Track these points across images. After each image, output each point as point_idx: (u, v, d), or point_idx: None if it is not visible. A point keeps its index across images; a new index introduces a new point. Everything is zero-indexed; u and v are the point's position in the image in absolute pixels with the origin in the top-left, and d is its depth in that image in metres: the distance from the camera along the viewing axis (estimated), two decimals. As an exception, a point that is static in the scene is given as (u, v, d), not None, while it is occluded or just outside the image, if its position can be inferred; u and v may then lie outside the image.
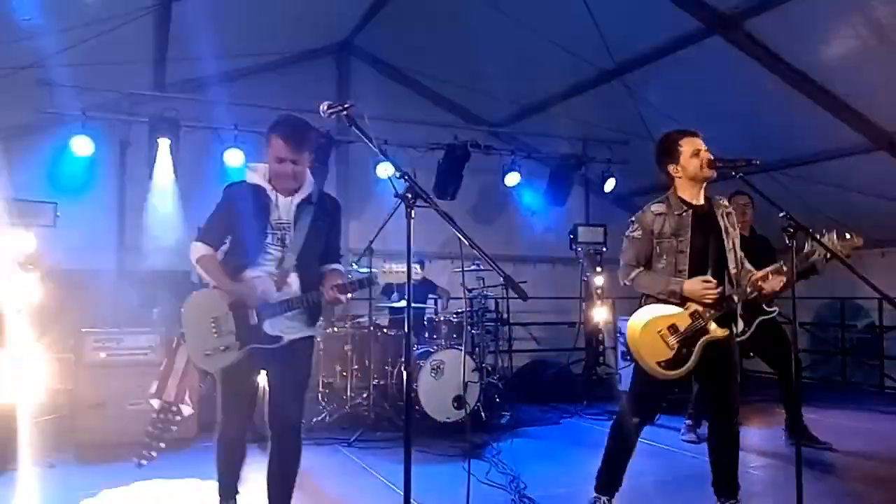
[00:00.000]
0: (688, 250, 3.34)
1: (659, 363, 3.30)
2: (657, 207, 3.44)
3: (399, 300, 6.60)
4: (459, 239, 2.38)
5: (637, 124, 7.04)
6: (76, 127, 6.34)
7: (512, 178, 8.07)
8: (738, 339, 3.52)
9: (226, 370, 3.05)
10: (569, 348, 8.11)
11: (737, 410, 3.39)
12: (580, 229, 8.13)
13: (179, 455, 4.88)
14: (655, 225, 3.39)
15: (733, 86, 6.52)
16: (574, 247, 8.11)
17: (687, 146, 3.38)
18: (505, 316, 7.60)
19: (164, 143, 6.49)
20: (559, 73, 7.44)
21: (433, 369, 5.74)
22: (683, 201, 3.41)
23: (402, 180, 2.40)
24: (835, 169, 6.92)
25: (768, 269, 3.28)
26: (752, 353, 5.19)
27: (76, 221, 6.06)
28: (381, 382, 6.29)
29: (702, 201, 3.44)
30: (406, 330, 2.32)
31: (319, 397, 6.22)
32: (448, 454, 5.00)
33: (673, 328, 3.31)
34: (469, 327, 6.34)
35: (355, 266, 5.45)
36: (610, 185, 8.30)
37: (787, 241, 3.10)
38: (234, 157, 6.72)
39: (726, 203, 3.54)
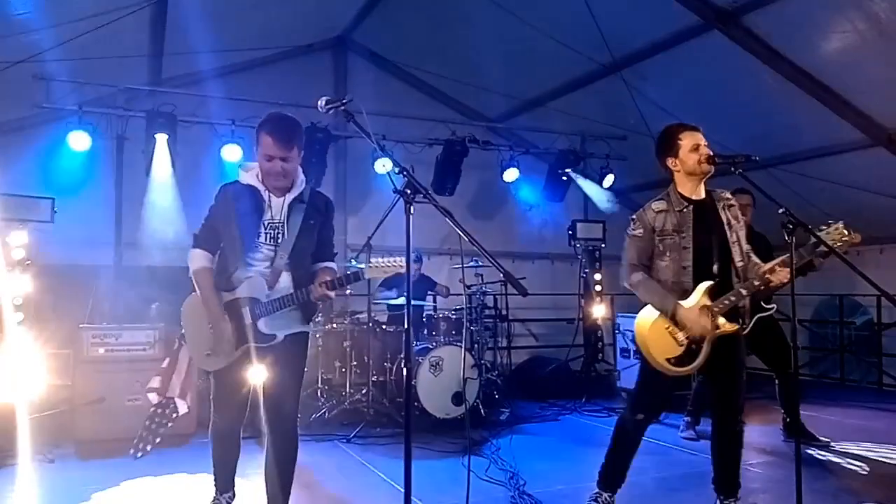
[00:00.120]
0: (690, 246, 3.31)
1: (668, 360, 3.28)
2: (658, 205, 3.42)
3: (398, 297, 6.59)
4: (459, 235, 2.37)
5: (635, 120, 7.03)
6: (73, 122, 6.31)
7: (510, 174, 8.05)
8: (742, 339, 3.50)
9: (221, 369, 3.09)
10: (568, 345, 8.10)
11: (742, 408, 3.36)
12: (579, 225, 8.12)
13: (177, 451, 4.89)
14: (657, 222, 3.37)
15: (732, 81, 6.51)
16: (573, 243, 8.11)
17: (686, 140, 3.36)
18: (504, 312, 7.60)
19: (161, 139, 6.46)
20: (557, 69, 7.43)
21: (432, 366, 5.74)
22: (683, 197, 3.39)
23: (401, 176, 2.38)
24: (833, 165, 6.91)
25: (775, 261, 3.24)
26: (749, 351, 5.19)
27: (73, 217, 6.04)
28: (380, 379, 6.28)
29: (702, 196, 3.41)
30: (406, 326, 2.30)
31: (318, 393, 6.22)
32: (447, 450, 5.00)
33: (682, 324, 3.28)
34: (468, 324, 6.33)
35: (354, 262, 5.43)
36: (608, 180, 8.29)
37: (787, 238, 3.07)
38: (231, 153, 6.70)
39: (728, 196, 3.50)
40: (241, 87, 7.28)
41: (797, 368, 3.38)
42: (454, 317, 6.35)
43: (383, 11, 7.38)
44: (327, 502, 4.02)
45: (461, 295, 7.69)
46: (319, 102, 2.59)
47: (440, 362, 5.77)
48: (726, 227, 3.36)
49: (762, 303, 4.81)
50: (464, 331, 5.98)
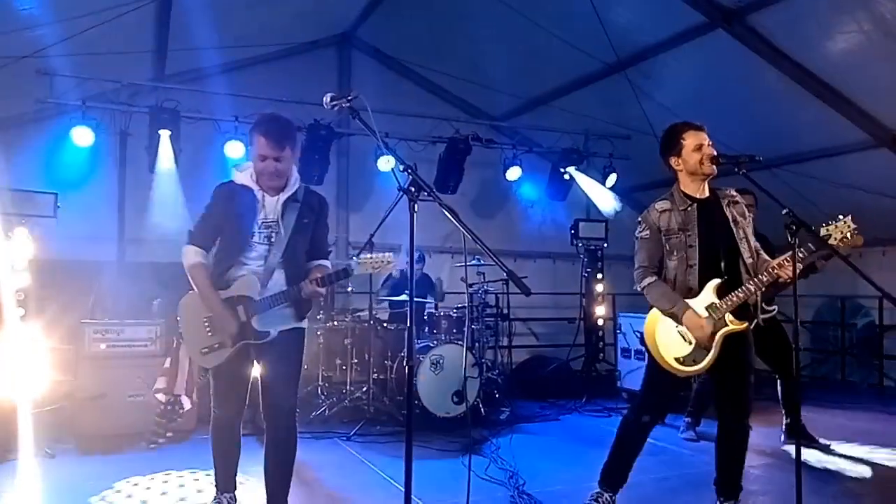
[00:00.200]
0: (696, 244, 3.31)
1: (677, 359, 3.27)
2: (661, 204, 3.41)
3: (400, 294, 6.59)
4: (462, 233, 2.37)
5: (639, 119, 7.02)
6: (76, 117, 6.31)
7: (513, 173, 8.05)
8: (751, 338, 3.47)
9: (219, 365, 3.13)
10: (569, 344, 8.10)
11: (749, 412, 3.34)
12: (581, 224, 8.11)
13: (178, 447, 4.91)
14: (661, 222, 3.37)
15: (736, 81, 6.50)
16: (575, 242, 8.10)
17: (690, 139, 3.35)
18: (505, 311, 7.60)
19: (164, 135, 6.46)
20: (561, 67, 7.42)
21: (433, 364, 5.73)
22: (687, 196, 3.39)
23: (405, 173, 2.38)
24: (837, 166, 6.90)
25: (784, 255, 3.22)
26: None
27: (76, 212, 6.05)
28: (381, 377, 6.28)
29: (707, 194, 3.41)
30: (409, 324, 2.30)
31: (319, 391, 6.21)
32: (447, 449, 5.00)
33: (692, 331, 3.27)
34: (469, 322, 6.33)
35: (356, 259, 5.42)
36: (611, 179, 8.28)
37: (790, 239, 3.06)
38: (234, 149, 6.69)
39: (733, 192, 3.49)
40: (245, 83, 7.28)
41: (799, 370, 3.36)
42: (455, 315, 6.35)
43: (388, 9, 7.37)
44: (327, 500, 4.02)
45: (463, 293, 7.70)
46: (325, 99, 2.60)
47: (441, 361, 5.76)
48: (732, 224, 3.35)
49: (763, 304, 4.82)
50: (465, 329, 5.97)
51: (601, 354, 8.31)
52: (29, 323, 5.15)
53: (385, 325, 6.52)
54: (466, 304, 5.93)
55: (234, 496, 3.34)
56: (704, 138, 3.35)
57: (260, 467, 3.21)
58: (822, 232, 3.15)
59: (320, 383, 6.27)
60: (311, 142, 7.08)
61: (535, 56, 7.31)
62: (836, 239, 3.12)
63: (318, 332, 6.31)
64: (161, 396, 5.02)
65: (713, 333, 3.24)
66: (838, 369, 8.71)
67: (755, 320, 3.36)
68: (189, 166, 6.67)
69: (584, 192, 8.40)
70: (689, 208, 3.36)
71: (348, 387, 6.16)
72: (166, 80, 7.18)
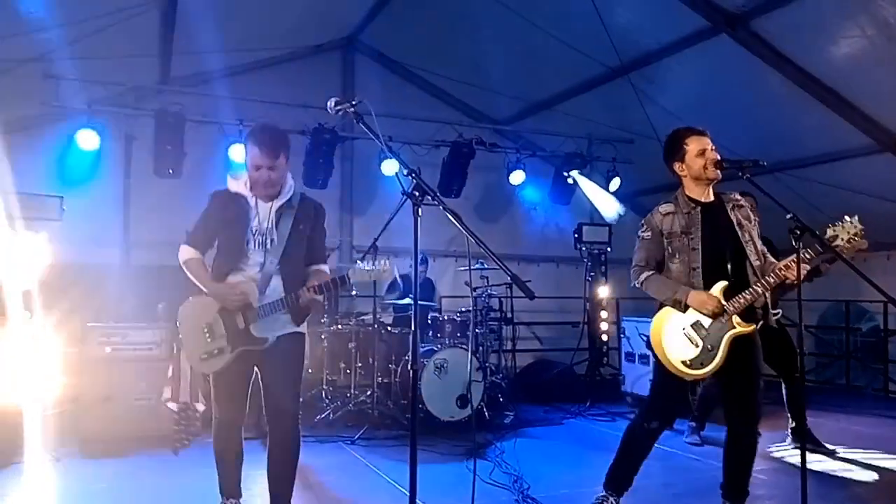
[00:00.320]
0: (699, 247, 3.31)
1: (684, 363, 3.26)
2: (665, 207, 3.42)
3: (404, 297, 6.60)
4: (466, 237, 2.37)
5: (642, 123, 7.02)
6: (82, 120, 6.34)
7: (517, 177, 8.06)
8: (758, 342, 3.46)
9: (218, 370, 3.16)
10: (573, 348, 8.09)
11: (759, 418, 3.30)
12: (585, 228, 8.11)
13: (183, 451, 4.91)
14: (664, 224, 3.37)
15: (740, 85, 6.50)
16: (579, 246, 8.10)
17: (693, 145, 3.35)
18: (509, 315, 7.60)
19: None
20: (565, 71, 7.43)
21: (437, 368, 5.73)
22: (692, 199, 3.40)
23: (410, 178, 2.39)
24: (840, 170, 6.89)
25: (791, 256, 3.21)
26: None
27: (81, 215, 6.07)
28: (385, 381, 6.28)
29: (711, 198, 3.41)
30: (413, 328, 2.30)
31: (323, 395, 6.22)
32: (451, 453, 5.00)
33: (697, 324, 3.27)
34: (473, 326, 6.33)
35: (360, 263, 5.43)
36: (615, 184, 8.28)
37: (794, 243, 3.06)
38: (238, 153, 6.70)
39: (737, 196, 3.48)
40: (249, 87, 7.31)
41: (803, 374, 3.35)
42: (459, 319, 6.36)
43: (392, 13, 7.39)
44: None
45: (466, 297, 7.70)
46: (329, 103, 2.61)
47: (445, 364, 5.76)
48: (737, 228, 3.34)
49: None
50: (470, 333, 5.97)
51: (605, 358, 8.29)
52: (34, 326, 5.16)
53: (389, 328, 6.53)
54: (471, 308, 5.93)
55: (239, 503, 3.35)
56: (707, 143, 3.34)
57: (265, 471, 3.22)
58: (829, 233, 3.12)
59: (324, 387, 6.27)
60: (315, 146, 7.09)
61: (539, 60, 7.32)
62: (843, 240, 3.09)
63: (323, 336, 6.32)
64: (172, 405, 5.06)
65: (726, 326, 3.23)
66: (843, 374, 8.68)
67: (763, 322, 3.34)
68: (193, 170, 6.69)
69: (586, 196, 8.41)
70: (693, 211, 3.36)
71: (352, 390, 6.16)
72: (171, 83, 7.21)
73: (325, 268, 3.30)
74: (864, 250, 3.20)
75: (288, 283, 3.13)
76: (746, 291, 3.23)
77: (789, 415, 5.20)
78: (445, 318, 6.38)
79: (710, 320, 3.25)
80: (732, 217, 3.37)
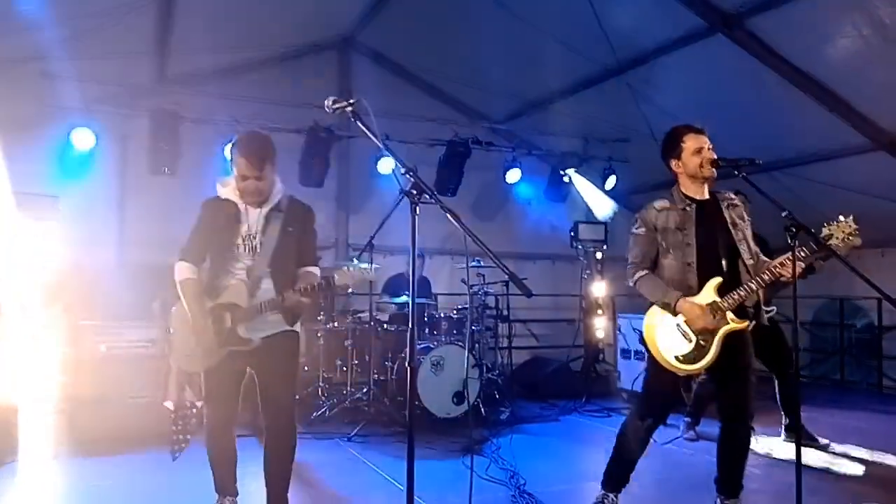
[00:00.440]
0: (694, 243, 3.32)
1: (677, 357, 3.27)
2: (660, 203, 3.44)
3: (400, 295, 6.61)
4: (463, 235, 2.39)
5: (638, 122, 7.04)
6: (77, 119, 6.32)
7: (513, 175, 8.07)
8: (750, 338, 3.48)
9: (208, 369, 3.21)
10: (568, 345, 8.12)
11: (752, 414, 3.34)
12: (581, 226, 8.13)
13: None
14: (658, 220, 3.38)
15: (735, 85, 6.52)
16: (575, 244, 8.12)
17: (690, 142, 3.37)
18: (505, 312, 7.62)
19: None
20: (561, 70, 7.43)
21: (433, 365, 5.75)
22: (687, 196, 3.41)
23: (407, 176, 2.40)
24: (836, 169, 6.92)
25: (785, 255, 3.23)
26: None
27: (77, 214, 6.06)
28: (381, 378, 6.29)
29: (706, 196, 3.43)
30: (410, 326, 2.32)
31: (319, 392, 6.23)
32: (448, 450, 5.02)
33: (692, 320, 3.30)
34: (470, 323, 6.34)
35: (356, 262, 5.44)
36: (611, 182, 8.30)
37: (789, 241, 3.08)
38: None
39: (731, 195, 3.51)
40: (246, 86, 7.29)
41: (798, 370, 3.37)
42: (455, 316, 6.37)
43: (388, 12, 7.38)
44: (328, 501, 4.04)
45: (463, 295, 7.71)
46: (326, 102, 2.61)
47: (441, 361, 5.78)
48: (731, 226, 3.37)
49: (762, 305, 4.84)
50: (466, 331, 5.99)
51: (601, 355, 8.32)
52: (29, 324, 5.16)
53: (385, 326, 6.54)
54: (468, 306, 5.94)
55: (236, 501, 3.36)
56: (705, 141, 3.36)
57: (261, 469, 3.23)
58: (824, 232, 3.15)
59: (321, 384, 6.28)
60: (312, 144, 7.09)
61: (535, 59, 7.33)
62: (837, 239, 3.13)
63: (319, 334, 6.33)
64: (169, 405, 5.03)
65: (714, 330, 3.25)
66: (837, 370, 8.73)
67: (757, 320, 3.37)
68: (189, 169, 6.67)
69: (581, 195, 8.44)
70: (688, 208, 3.38)
71: (349, 388, 6.17)
72: (167, 82, 7.20)
73: (316, 270, 3.33)
74: (858, 247, 3.23)
75: (279, 285, 3.17)
76: (741, 288, 3.25)
77: (783, 411, 5.24)
78: (442, 315, 6.39)
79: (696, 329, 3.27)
80: (727, 216, 3.39)
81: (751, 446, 3.44)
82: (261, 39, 7.33)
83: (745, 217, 3.47)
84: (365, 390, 6.05)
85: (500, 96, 8.26)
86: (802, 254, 3.12)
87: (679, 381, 3.38)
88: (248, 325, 3.16)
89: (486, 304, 6.83)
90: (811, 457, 4.83)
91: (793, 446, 3.07)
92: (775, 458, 4.86)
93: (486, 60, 7.57)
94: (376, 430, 5.57)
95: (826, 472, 4.59)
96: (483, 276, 6.72)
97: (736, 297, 3.24)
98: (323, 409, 5.92)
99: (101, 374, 5.18)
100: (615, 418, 6.24)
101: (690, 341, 3.27)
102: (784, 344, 5.10)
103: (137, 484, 4.18)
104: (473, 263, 6.51)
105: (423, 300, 6.71)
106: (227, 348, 3.14)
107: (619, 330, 7.42)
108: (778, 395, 5.19)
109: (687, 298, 3.26)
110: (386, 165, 7.36)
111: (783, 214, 3.00)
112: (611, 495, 3.51)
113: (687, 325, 3.29)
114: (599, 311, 8.25)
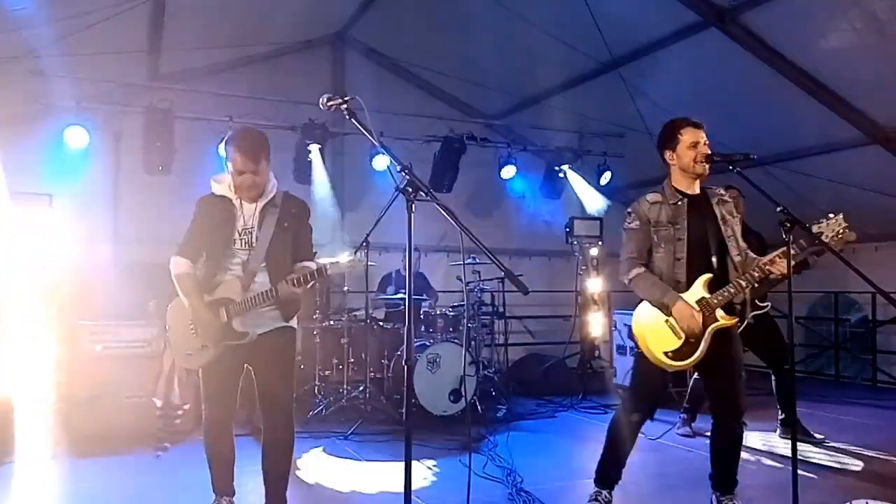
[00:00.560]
0: (685, 238, 3.33)
1: (666, 353, 3.27)
2: (652, 196, 3.43)
3: (395, 292, 6.60)
4: (459, 233, 2.38)
5: (633, 117, 7.04)
6: (70, 118, 6.29)
7: (508, 171, 8.06)
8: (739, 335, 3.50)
9: (206, 365, 3.21)
10: (564, 342, 8.12)
11: (743, 411, 3.34)
12: (576, 222, 8.13)
13: (175, 449, 4.90)
14: (651, 213, 3.38)
15: (730, 79, 6.53)
16: (570, 240, 8.12)
17: (687, 136, 3.36)
18: (501, 309, 7.62)
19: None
20: (556, 66, 7.42)
21: (429, 363, 5.75)
22: (678, 191, 3.42)
23: (403, 174, 2.39)
24: (830, 163, 6.93)
25: (775, 252, 3.24)
26: (745, 348, 5.21)
27: (71, 213, 6.03)
28: (378, 376, 6.29)
29: (696, 191, 3.44)
30: (407, 324, 2.31)
31: (316, 390, 6.22)
32: (444, 447, 5.01)
33: (680, 320, 3.28)
34: (466, 321, 6.34)
35: (338, 256, 5.44)
36: (606, 178, 8.30)
37: (784, 236, 3.09)
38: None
39: (722, 192, 3.52)
40: (239, 83, 7.28)
41: (793, 365, 3.38)
42: (452, 314, 6.36)
43: (382, 7, 7.36)
44: (324, 500, 4.03)
45: (460, 292, 7.70)
46: (321, 100, 2.60)
47: (438, 359, 5.78)
48: (720, 222, 3.38)
49: (757, 300, 4.84)
50: (463, 328, 5.99)
51: (597, 352, 8.32)
52: (24, 324, 5.13)
53: (381, 323, 6.53)
54: (464, 303, 5.94)
55: (233, 501, 3.35)
56: (702, 136, 3.36)
57: (258, 467, 3.23)
58: (815, 229, 3.16)
59: (317, 383, 6.27)
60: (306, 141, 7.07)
61: (529, 55, 7.32)
62: (827, 236, 3.15)
63: (315, 332, 6.31)
64: (157, 401, 5.06)
65: (709, 319, 3.25)
66: (832, 364, 8.77)
67: (742, 317, 3.38)
68: (183, 166, 6.65)
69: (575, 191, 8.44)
70: (680, 202, 3.38)
71: (345, 386, 6.16)
72: (161, 80, 7.16)
73: (312, 264, 3.30)
74: (852, 242, 3.24)
75: (274, 280, 3.16)
76: (730, 286, 3.26)
77: (779, 405, 5.25)
78: (438, 312, 6.38)
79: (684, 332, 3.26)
80: (717, 211, 3.40)
81: (744, 441, 3.45)
82: (254, 36, 7.31)
83: (735, 213, 3.48)
84: (361, 388, 6.04)
85: (495, 92, 8.25)
86: (794, 251, 3.13)
87: (668, 376, 3.38)
88: (243, 319, 3.16)
89: (482, 300, 6.82)
90: (807, 452, 4.84)
91: (788, 441, 3.08)
92: (771, 453, 4.88)
93: (481, 56, 7.55)
94: (373, 429, 5.56)
95: (822, 466, 4.60)
96: (479, 272, 6.71)
97: (726, 294, 3.25)
98: (319, 408, 5.91)
99: (95, 373, 5.16)
100: (611, 415, 6.22)
101: (680, 337, 3.27)
102: (780, 338, 5.11)
103: (133, 484, 4.16)
104: (469, 260, 6.50)
105: (420, 297, 6.70)
106: (224, 343, 3.14)
107: (615, 326, 7.43)
108: (775, 390, 5.20)
109: (681, 298, 3.26)
110: (381, 162, 7.35)
111: (778, 209, 3.00)
112: (604, 492, 3.51)
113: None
114: (595, 308, 8.24)
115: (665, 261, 3.35)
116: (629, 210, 3.48)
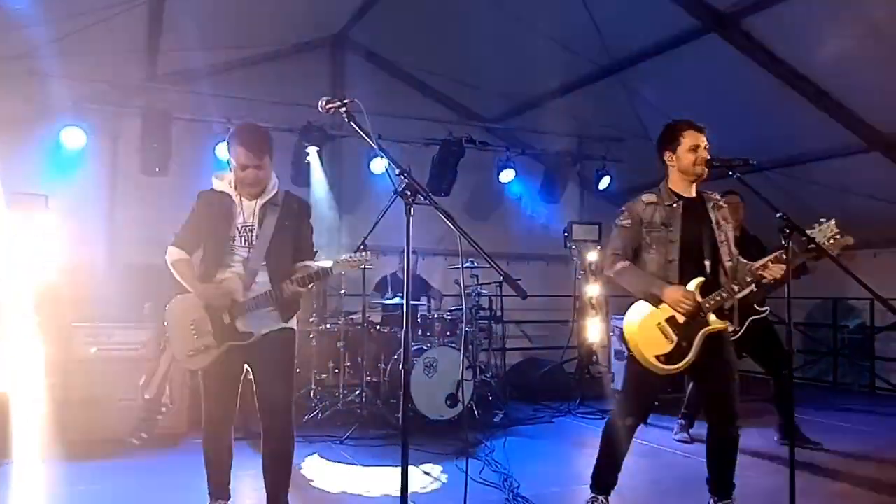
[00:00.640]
0: (677, 240, 3.32)
1: (657, 357, 3.26)
2: (648, 197, 3.44)
3: (392, 297, 6.57)
4: (457, 236, 2.36)
5: (632, 122, 7.04)
6: (67, 118, 6.26)
7: (506, 175, 8.05)
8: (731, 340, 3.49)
9: (208, 367, 3.18)
10: (562, 346, 8.10)
11: (737, 415, 3.32)
12: (575, 227, 8.12)
13: (169, 451, 4.87)
14: (645, 214, 3.38)
15: (729, 85, 6.52)
16: (568, 244, 8.11)
17: (688, 138, 3.36)
18: (498, 313, 7.60)
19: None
20: (555, 70, 7.42)
21: (426, 367, 5.72)
22: (675, 193, 3.41)
23: (401, 177, 2.38)
24: (829, 169, 6.94)
25: (768, 257, 3.24)
26: (743, 353, 5.20)
27: (67, 214, 6.00)
28: (374, 380, 6.26)
29: (693, 194, 3.44)
30: (405, 327, 2.29)
31: (312, 394, 6.19)
32: (441, 452, 4.98)
33: (672, 320, 3.28)
34: (464, 325, 6.32)
35: (343, 256, 5.42)
36: (605, 182, 8.30)
37: (783, 242, 3.08)
38: (226, 151, 6.65)
39: (717, 197, 3.52)
40: (237, 84, 7.25)
41: (791, 371, 3.37)
42: (449, 317, 6.34)
43: (381, 10, 7.36)
44: None
45: (457, 296, 7.68)
46: (320, 102, 2.60)
47: (434, 363, 5.75)
48: (715, 227, 3.38)
49: (755, 306, 4.84)
50: (461, 332, 5.96)
51: (594, 356, 8.30)
52: (19, 325, 5.10)
53: (378, 327, 6.50)
54: (462, 307, 5.92)
55: (229, 504, 3.33)
56: (703, 140, 3.36)
57: (253, 472, 3.21)
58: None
59: (313, 387, 6.24)
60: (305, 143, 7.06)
61: (529, 58, 7.31)
62: (820, 241, 3.16)
63: (311, 335, 6.28)
64: (148, 396, 4.97)
65: (700, 323, 3.24)
66: (830, 370, 8.75)
67: (741, 330, 3.37)
68: (180, 168, 6.63)
69: (578, 193, 8.44)
70: (675, 205, 3.38)
71: (341, 390, 6.13)
72: (158, 81, 7.15)
73: (313, 264, 3.30)
74: (851, 247, 3.24)
75: (275, 279, 3.15)
76: (722, 290, 3.26)
77: (777, 411, 5.24)
78: (435, 316, 6.36)
79: (684, 316, 3.26)
80: (712, 216, 3.41)
81: (741, 446, 3.44)
82: (253, 38, 7.29)
83: (729, 218, 3.49)
84: (357, 392, 6.01)
85: (495, 95, 8.25)
86: (785, 258, 3.13)
87: (660, 380, 3.37)
88: (245, 318, 3.13)
89: (479, 304, 6.80)
90: (804, 458, 4.83)
91: (786, 447, 3.07)
92: (769, 459, 4.86)
93: (481, 59, 7.56)
94: (369, 433, 5.54)
95: (819, 472, 4.58)
96: (477, 276, 6.70)
97: (717, 298, 3.25)
98: (315, 412, 5.88)
99: (90, 375, 5.13)
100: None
101: (672, 341, 3.26)
102: (779, 344, 5.10)
103: (128, 487, 4.13)
104: (467, 264, 6.48)
105: (418, 302, 6.68)
106: (226, 344, 3.12)
107: (613, 331, 7.41)
108: (774, 396, 5.19)
109: (669, 284, 3.25)
110: (379, 165, 7.34)
111: (777, 215, 3.00)
112: (601, 497, 3.50)
113: (668, 323, 3.28)
114: (593, 312, 8.22)
115: (656, 262, 3.34)
116: (623, 208, 3.48)
